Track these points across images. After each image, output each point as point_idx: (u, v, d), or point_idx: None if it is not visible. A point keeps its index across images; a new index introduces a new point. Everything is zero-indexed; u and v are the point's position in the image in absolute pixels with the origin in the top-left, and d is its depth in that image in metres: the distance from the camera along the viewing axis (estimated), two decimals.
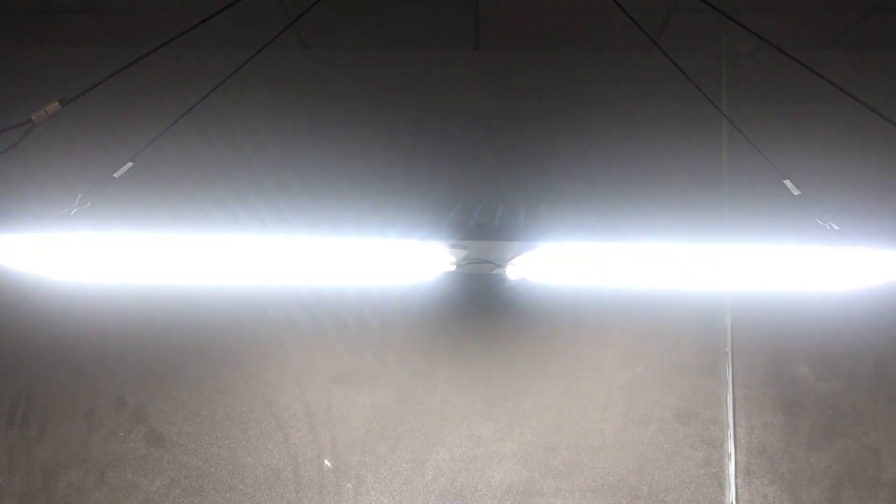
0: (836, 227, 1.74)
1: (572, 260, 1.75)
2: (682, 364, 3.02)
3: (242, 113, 3.04)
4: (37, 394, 3.08)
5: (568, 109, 3.03)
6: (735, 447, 2.94)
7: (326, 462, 2.97)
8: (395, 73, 3.06)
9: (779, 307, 3.02)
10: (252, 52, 1.73)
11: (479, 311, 2.99)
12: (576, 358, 3.03)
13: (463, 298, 2.92)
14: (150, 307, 3.09)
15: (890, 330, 3.01)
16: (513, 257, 1.81)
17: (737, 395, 2.99)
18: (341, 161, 2.99)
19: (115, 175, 1.78)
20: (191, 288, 3.05)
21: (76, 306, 3.08)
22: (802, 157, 2.98)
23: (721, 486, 2.92)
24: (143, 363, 3.08)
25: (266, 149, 2.85)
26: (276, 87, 3.08)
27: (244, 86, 3.01)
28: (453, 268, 1.82)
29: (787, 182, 1.89)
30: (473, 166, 2.90)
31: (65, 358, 3.09)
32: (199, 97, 1.61)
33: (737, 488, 2.91)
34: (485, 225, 1.69)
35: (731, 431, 2.95)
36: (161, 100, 2.98)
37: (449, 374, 3.02)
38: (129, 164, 1.80)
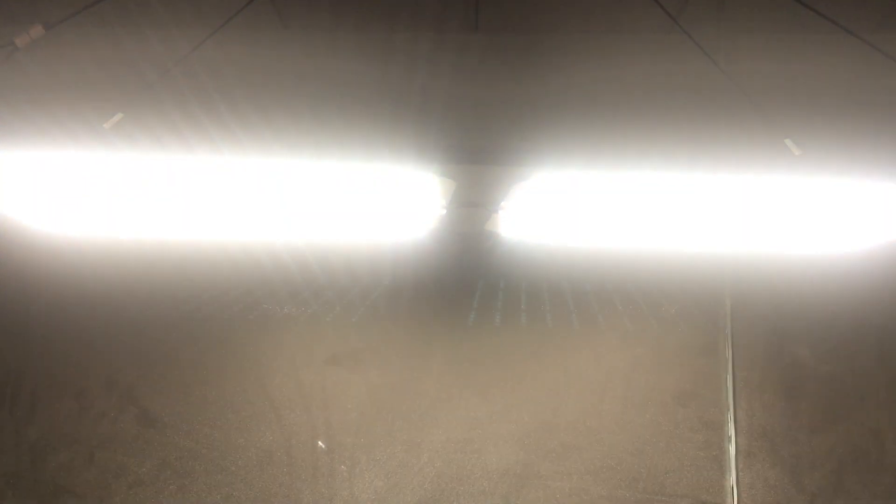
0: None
1: (568, 199, 1.71)
2: (682, 345, 2.98)
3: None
4: (26, 374, 3.03)
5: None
6: (735, 430, 2.89)
7: (320, 443, 2.92)
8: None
9: (779, 288, 2.99)
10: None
11: (471, 283, 2.95)
12: (573, 339, 2.99)
13: (454, 266, 2.86)
14: (142, 286, 3.05)
15: (892, 312, 2.97)
16: (505, 198, 1.78)
17: (737, 377, 2.95)
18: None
19: (105, 126, 1.75)
20: (184, 266, 3.01)
21: (67, 285, 3.04)
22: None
23: (722, 469, 2.87)
24: (136, 343, 3.04)
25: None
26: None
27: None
28: (444, 211, 1.78)
29: (788, 141, 1.86)
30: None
31: (55, 338, 3.05)
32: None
33: (737, 471, 2.86)
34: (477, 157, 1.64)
35: (731, 414, 2.90)
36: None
37: (444, 355, 2.98)
38: (119, 116, 1.77)
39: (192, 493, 2.89)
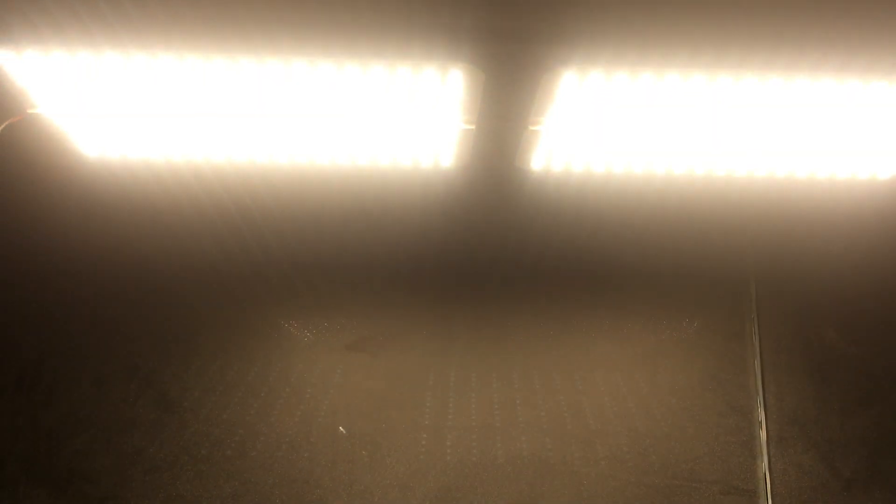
0: None
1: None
2: (708, 329, 2.95)
3: None
4: (46, 359, 3.01)
5: None
6: (766, 415, 2.83)
7: (341, 429, 2.87)
8: None
9: (805, 269, 2.98)
10: None
11: (493, 245, 2.92)
12: (598, 321, 2.97)
13: (480, 219, 2.80)
14: (164, 266, 3.06)
15: None
16: (541, 114, 1.80)
17: (765, 361, 2.91)
18: None
19: None
20: (207, 249, 3.01)
21: (90, 267, 3.06)
22: None
23: (753, 454, 2.80)
24: (157, 328, 3.03)
25: None
26: None
27: None
28: (472, 127, 1.80)
29: None
30: None
31: (75, 323, 3.05)
32: None
33: (769, 457, 2.79)
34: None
35: (760, 399, 2.85)
36: None
37: (466, 338, 2.96)
38: None
39: (210, 478, 2.83)
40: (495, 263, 2.99)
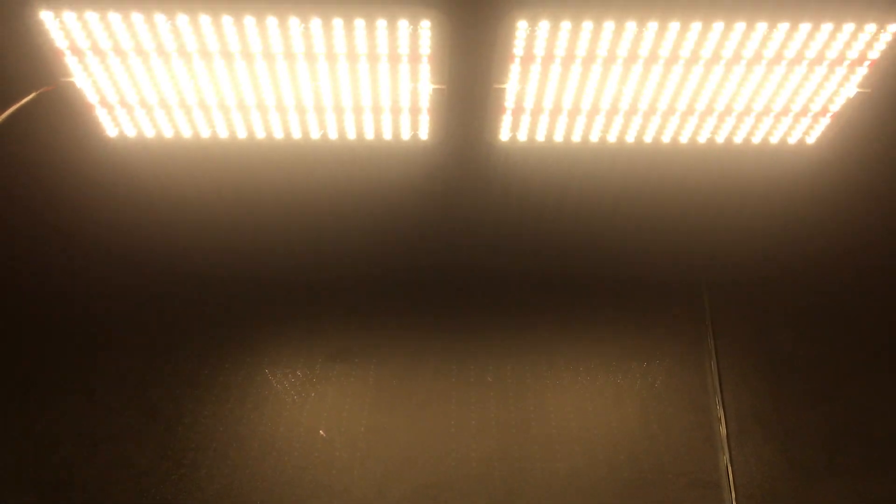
0: None
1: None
2: (667, 335, 3.17)
3: None
4: (38, 369, 3.14)
5: None
6: (724, 411, 3.01)
7: (321, 432, 3.00)
8: None
9: (754, 276, 3.24)
10: None
11: (467, 244, 3.15)
12: (561, 328, 3.19)
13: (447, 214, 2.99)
14: (153, 277, 3.26)
15: (867, 295, 3.21)
16: (504, 72, 2.11)
17: (721, 362, 3.11)
18: None
19: None
20: (193, 258, 3.22)
21: (78, 282, 3.25)
22: None
23: (714, 448, 2.95)
24: (144, 339, 3.19)
25: None
26: None
27: None
28: (442, 87, 2.10)
29: None
30: None
31: (66, 334, 3.20)
32: None
33: (730, 450, 2.94)
34: None
35: (718, 397, 3.03)
36: None
37: (441, 346, 3.15)
38: None
39: (194, 482, 2.91)
40: (467, 268, 3.24)
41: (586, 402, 3.05)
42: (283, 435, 2.99)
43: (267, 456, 2.95)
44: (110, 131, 2.42)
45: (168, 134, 2.44)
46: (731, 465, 2.91)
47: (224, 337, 3.20)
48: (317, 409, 3.05)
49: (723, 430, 2.97)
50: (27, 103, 2.17)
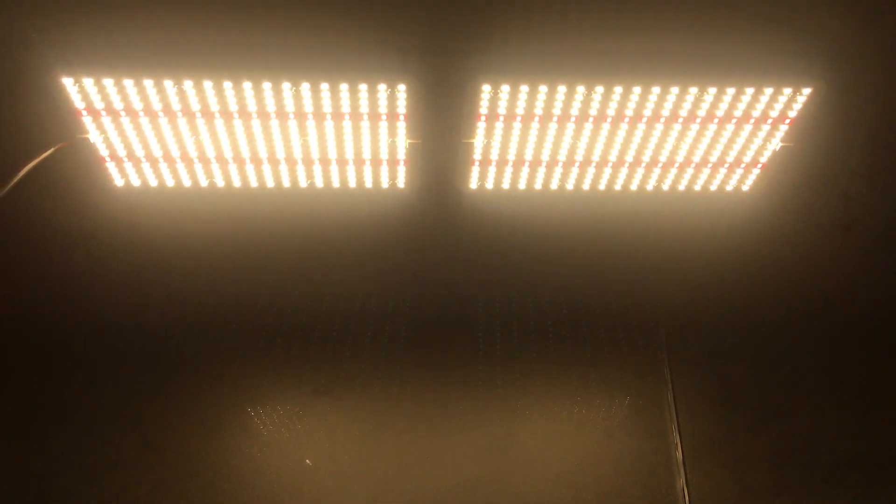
0: None
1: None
2: (626, 368, 3.43)
3: None
4: (38, 404, 3.33)
5: None
6: (681, 437, 3.25)
7: (307, 461, 3.21)
8: None
9: (706, 313, 3.52)
10: None
11: (437, 282, 3.41)
12: (528, 363, 3.43)
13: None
14: (151, 316, 3.49)
15: (800, 327, 3.50)
16: (471, 128, 2.40)
17: (677, 392, 3.36)
18: None
19: None
20: (188, 297, 3.46)
21: (78, 318, 3.47)
22: None
23: (671, 472, 3.19)
24: (143, 370, 3.40)
25: None
26: None
27: None
28: (417, 142, 2.39)
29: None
30: None
31: (66, 368, 3.41)
32: None
33: (686, 474, 3.18)
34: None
35: (675, 424, 3.28)
36: None
37: (416, 385, 3.39)
38: None
39: None
40: (442, 306, 3.50)
41: (554, 431, 3.28)
42: (274, 464, 3.19)
43: (258, 484, 3.14)
44: (118, 181, 2.67)
45: (170, 183, 2.70)
46: (687, 487, 3.14)
47: (217, 373, 3.41)
48: (304, 440, 3.26)
49: (679, 454, 3.21)
50: (46, 157, 2.43)
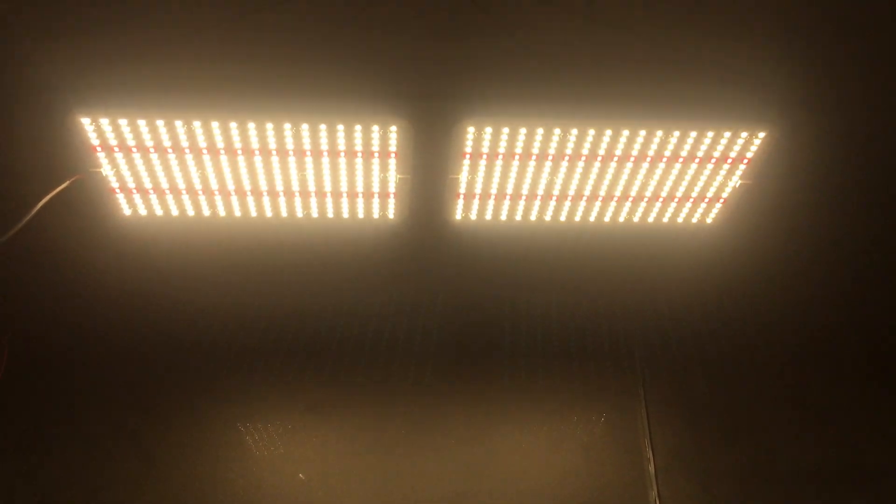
0: None
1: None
2: (603, 387, 3.63)
3: None
4: (40, 422, 3.49)
5: None
6: (653, 452, 3.45)
7: (301, 475, 3.38)
8: None
9: (676, 335, 3.73)
10: None
11: (424, 310, 3.61)
12: (506, 380, 3.62)
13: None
14: (152, 337, 3.65)
15: (765, 345, 3.72)
16: (457, 164, 2.61)
17: (650, 410, 3.57)
18: None
19: None
20: (190, 321, 3.64)
21: (80, 339, 3.63)
22: None
23: (644, 485, 3.38)
24: (141, 391, 3.56)
25: None
26: None
27: None
28: (407, 177, 2.60)
29: None
30: None
31: (68, 386, 3.56)
32: None
33: (658, 486, 3.37)
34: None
35: (648, 440, 3.48)
36: None
37: (406, 400, 3.58)
38: None
39: None
40: (428, 330, 3.69)
41: (534, 448, 3.47)
42: (269, 480, 3.34)
43: (253, 498, 3.31)
44: (126, 210, 2.86)
45: (174, 213, 2.89)
46: (660, 499, 3.33)
47: (214, 391, 3.57)
48: (297, 456, 3.42)
49: (652, 468, 3.41)
50: (62, 190, 2.62)
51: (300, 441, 3.47)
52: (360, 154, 2.62)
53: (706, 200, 2.80)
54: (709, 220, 2.89)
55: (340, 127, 2.50)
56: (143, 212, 2.89)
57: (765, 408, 3.60)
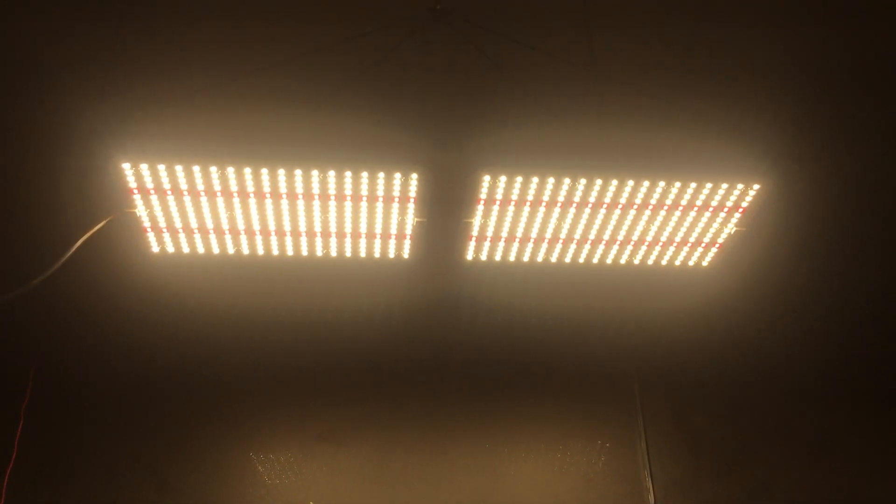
0: None
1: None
2: (604, 419, 3.79)
3: None
4: (64, 452, 3.63)
5: None
6: (652, 482, 3.61)
7: (311, 502, 3.52)
8: None
9: (673, 369, 3.90)
10: None
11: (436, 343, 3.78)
12: (515, 411, 3.79)
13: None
14: (165, 373, 3.81)
15: (758, 381, 3.89)
16: (471, 209, 2.79)
17: (649, 441, 3.73)
18: None
19: None
20: (209, 355, 3.79)
21: (105, 377, 3.79)
22: None
23: None
24: (159, 424, 3.70)
25: None
26: None
27: None
28: (423, 220, 2.77)
29: None
30: None
31: (90, 420, 3.71)
32: None
33: None
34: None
35: (647, 470, 3.64)
36: None
37: (413, 429, 3.73)
38: None
39: None
40: (439, 363, 3.86)
41: (538, 476, 3.63)
42: None
43: None
44: (155, 248, 3.02)
45: (201, 251, 3.06)
46: None
47: (229, 423, 3.73)
48: (308, 483, 3.58)
49: (651, 498, 3.57)
50: (100, 228, 2.78)
51: (311, 469, 3.61)
52: (381, 199, 2.78)
53: (703, 245, 2.98)
54: (704, 264, 3.07)
55: (364, 174, 2.67)
56: (170, 249, 3.04)
57: (761, 442, 3.77)
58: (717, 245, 2.97)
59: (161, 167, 2.66)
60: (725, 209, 2.80)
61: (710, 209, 2.80)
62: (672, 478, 3.63)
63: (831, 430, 3.84)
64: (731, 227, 2.88)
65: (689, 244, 2.98)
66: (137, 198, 2.79)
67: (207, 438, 3.69)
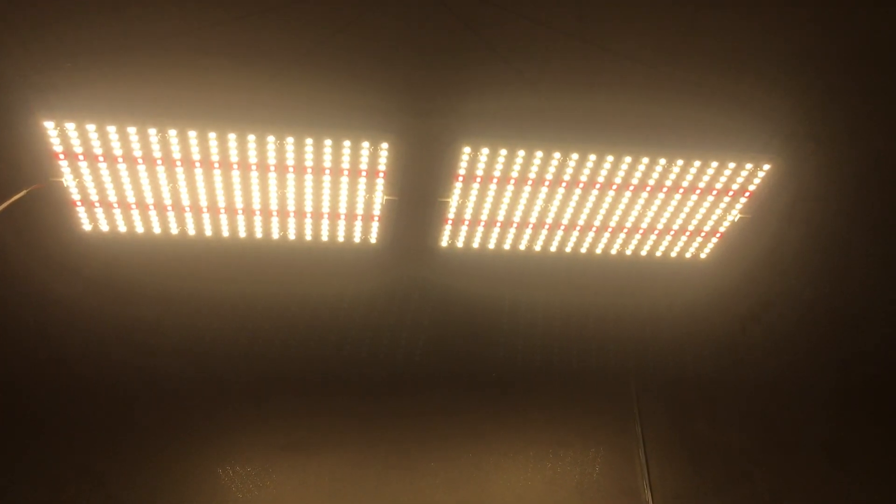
0: None
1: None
2: (599, 426, 3.49)
3: None
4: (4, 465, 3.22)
5: None
6: (652, 494, 3.31)
7: None
8: None
9: (674, 373, 3.62)
10: None
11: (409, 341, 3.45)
12: (503, 420, 3.46)
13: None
14: (108, 373, 3.42)
15: (760, 385, 3.63)
16: (448, 187, 2.47)
17: (648, 450, 3.44)
18: None
19: None
20: (149, 348, 3.41)
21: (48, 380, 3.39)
22: None
23: None
24: (109, 435, 3.32)
25: None
26: None
27: None
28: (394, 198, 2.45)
29: None
30: None
31: (34, 429, 3.31)
32: None
33: None
34: None
35: (646, 481, 3.34)
36: None
37: (388, 437, 3.39)
38: None
39: None
40: (412, 362, 3.52)
41: (526, 488, 3.32)
42: None
43: None
44: (86, 226, 2.66)
45: (139, 230, 2.70)
46: None
47: (186, 429, 3.36)
48: (278, 495, 3.22)
49: None
50: (18, 199, 2.41)
51: (278, 482, 3.25)
52: (346, 172, 2.46)
53: (702, 234, 2.71)
54: (703, 256, 2.80)
55: (328, 142, 2.35)
56: (104, 227, 2.68)
57: (762, 453, 3.51)
58: (718, 234, 2.70)
59: (91, 127, 2.31)
60: (730, 192, 2.53)
61: (714, 192, 2.53)
62: (673, 489, 3.32)
63: (846, 436, 3.57)
64: (734, 214, 2.61)
65: (687, 233, 2.71)
66: (64, 164, 2.44)
67: (162, 448, 3.29)
